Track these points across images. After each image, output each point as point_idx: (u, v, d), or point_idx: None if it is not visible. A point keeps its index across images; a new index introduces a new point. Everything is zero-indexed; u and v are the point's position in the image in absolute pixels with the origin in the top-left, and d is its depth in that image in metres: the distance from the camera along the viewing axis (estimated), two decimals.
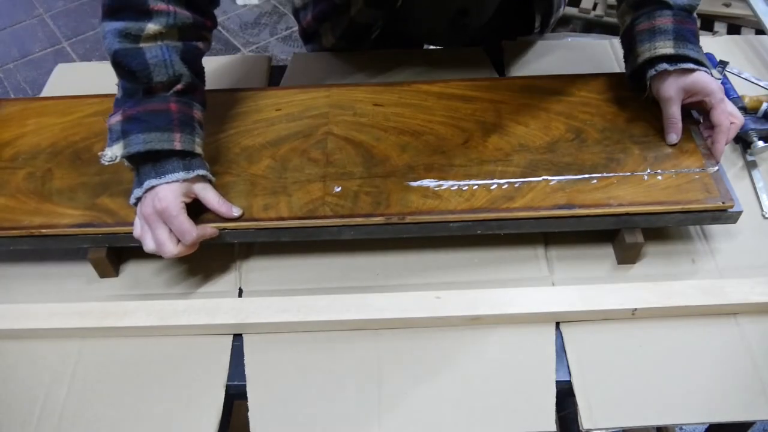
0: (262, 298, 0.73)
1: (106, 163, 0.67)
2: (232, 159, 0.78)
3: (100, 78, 1.00)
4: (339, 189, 0.74)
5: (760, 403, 0.65)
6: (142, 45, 0.67)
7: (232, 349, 0.71)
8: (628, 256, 0.75)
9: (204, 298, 0.74)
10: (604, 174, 0.74)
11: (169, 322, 0.71)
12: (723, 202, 0.70)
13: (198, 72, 0.72)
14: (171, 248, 0.67)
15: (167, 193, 0.67)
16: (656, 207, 0.70)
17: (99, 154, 0.68)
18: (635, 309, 0.70)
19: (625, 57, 0.81)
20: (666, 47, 0.73)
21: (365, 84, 0.88)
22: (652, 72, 0.75)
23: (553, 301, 0.71)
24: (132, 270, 0.78)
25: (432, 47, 1.10)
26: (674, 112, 0.75)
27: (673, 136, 0.76)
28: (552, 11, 1.02)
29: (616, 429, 0.89)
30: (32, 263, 0.79)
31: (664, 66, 0.74)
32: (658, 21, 0.74)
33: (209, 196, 0.71)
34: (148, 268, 0.78)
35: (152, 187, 0.67)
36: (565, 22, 2.07)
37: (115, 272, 0.77)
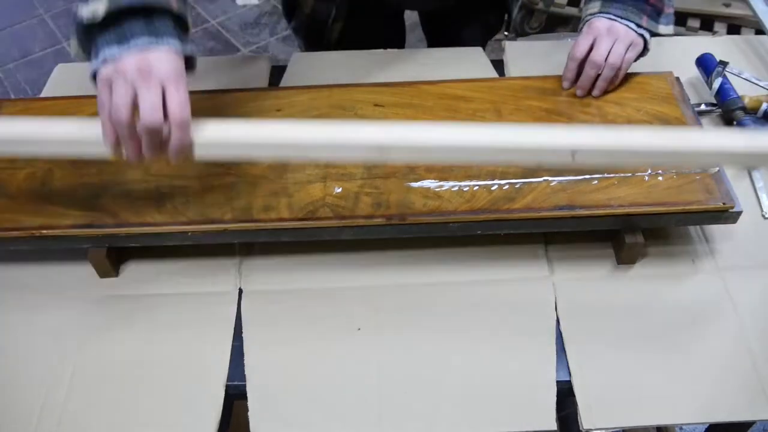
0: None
1: (86, 23, 0.54)
2: None
3: None
4: (340, 190, 0.74)
5: (760, 403, 0.65)
6: None
7: (232, 349, 0.71)
8: (628, 256, 0.75)
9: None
10: (605, 174, 0.74)
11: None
12: (723, 203, 0.70)
13: None
14: (158, 117, 0.53)
15: (166, 60, 0.53)
16: (657, 208, 0.70)
17: (73, 12, 0.55)
18: (575, 151, 0.58)
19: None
20: (594, 7, 0.82)
21: (366, 84, 0.88)
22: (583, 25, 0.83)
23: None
24: (132, 270, 0.78)
25: (432, 48, 1.10)
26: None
27: (566, 84, 0.84)
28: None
29: (616, 429, 0.89)
30: (32, 263, 0.79)
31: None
32: None
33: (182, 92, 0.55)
34: (148, 268, 0.78)
35: (144, 50, 0.53)
36: (565, 22, 2.07)
37: (115, 272, 0.77)
